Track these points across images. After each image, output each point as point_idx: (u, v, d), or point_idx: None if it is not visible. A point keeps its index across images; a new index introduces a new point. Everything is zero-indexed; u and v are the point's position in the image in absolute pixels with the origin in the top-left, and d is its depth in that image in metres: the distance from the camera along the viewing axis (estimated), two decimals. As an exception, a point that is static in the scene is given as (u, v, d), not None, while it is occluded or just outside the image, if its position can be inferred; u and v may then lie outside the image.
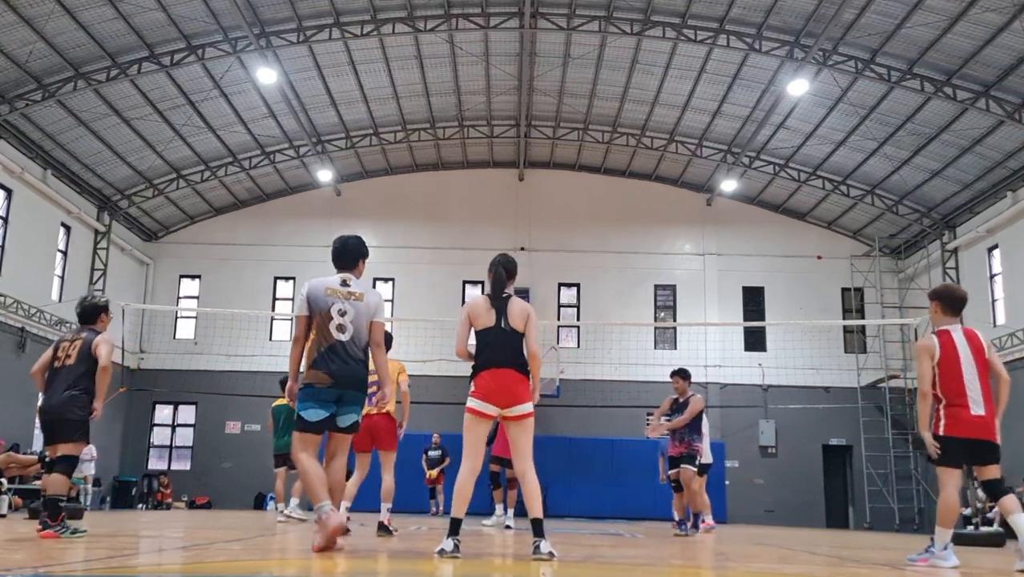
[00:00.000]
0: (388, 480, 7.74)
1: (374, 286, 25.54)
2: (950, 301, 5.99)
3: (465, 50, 20.24)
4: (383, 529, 7.51)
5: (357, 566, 4.67)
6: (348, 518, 5.41)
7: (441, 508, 18.50)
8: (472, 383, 5.44)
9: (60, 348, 6.69)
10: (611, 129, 23.79)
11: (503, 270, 5.70)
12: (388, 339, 8.14)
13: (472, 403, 5.39)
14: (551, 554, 5.05)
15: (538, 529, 5.18)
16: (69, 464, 6.44)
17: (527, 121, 23.55)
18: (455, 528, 5.18)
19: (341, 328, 5.45)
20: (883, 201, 23.59)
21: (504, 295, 5.62)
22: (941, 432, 5.67)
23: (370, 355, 5.65)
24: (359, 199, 25.99)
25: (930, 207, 23.08)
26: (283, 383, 12.16)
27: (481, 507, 13.07)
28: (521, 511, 12.96)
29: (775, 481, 23.39)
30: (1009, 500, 5.46)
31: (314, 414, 5.33)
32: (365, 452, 7.83)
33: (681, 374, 10.74)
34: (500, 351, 5.42)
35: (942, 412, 5.70)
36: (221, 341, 23.36)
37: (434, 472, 18.65)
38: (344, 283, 5.64)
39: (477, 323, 5.54)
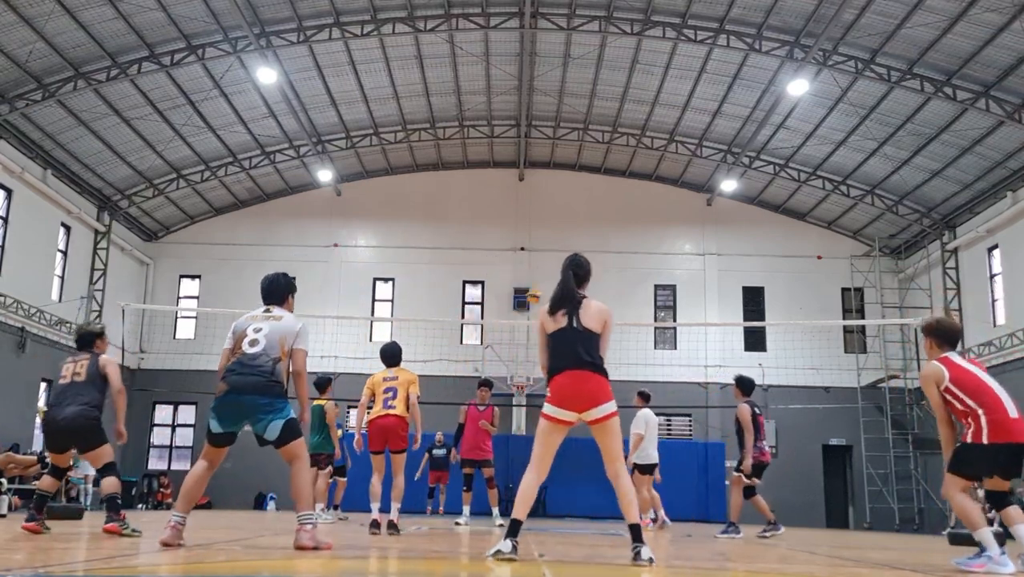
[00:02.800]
0: (399, 481, 8.13)
1: (374, 286, 25.66)
2: (944, 335, 5.74)
3: (465, 50, 20.23)
4: (392, 528, 7.91)
5: (357, 566, 4.67)
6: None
7: (442, 508, 18.34)
8: (547, 388, 5.22)
9: (66, 368, 7.10)
10: (611, 129, 23.79)
11: (572, 273, 5.42)
12: (398, 350, 8.55)
13: (548, 409, 5.14)
14: (651, 560, 4.82)
15: (637, 535, 4.95)
16: (113, 467, 6.93)
17: (527, 121, 23.55)
18: (515, 530, 4.99)
19: (253, 342, 5.59)
20: (883, 201, 23.59)
21: (577, 297, 5.35)
22: (985, 440, 5.25)
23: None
24: (359, 199, 25.99)
25: (930, 207, 23.08)
26: (319, 384, 12.32)
27: (457, 507, 13.24)
28: (479, 509, 13.09)
29: (775, 481, 23.29)
30: (1014, 511, 5.31)
31: (213, 425, 5.55)
32: (379, 453, 8.17)
33: (735, 382, 10.79)
34: (573, 351, 5.13)
35: (983, 421, 5.29)
36: (221, 341, 23.27)
37: (446, 471, 18.30)
38: (267, 310, 5.83)
39: (549, 327, 5.26)
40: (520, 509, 5.07)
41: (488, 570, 4.56)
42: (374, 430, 8.11)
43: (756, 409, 10.53)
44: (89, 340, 7.26)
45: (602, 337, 5.24)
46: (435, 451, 18.70)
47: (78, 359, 7.08)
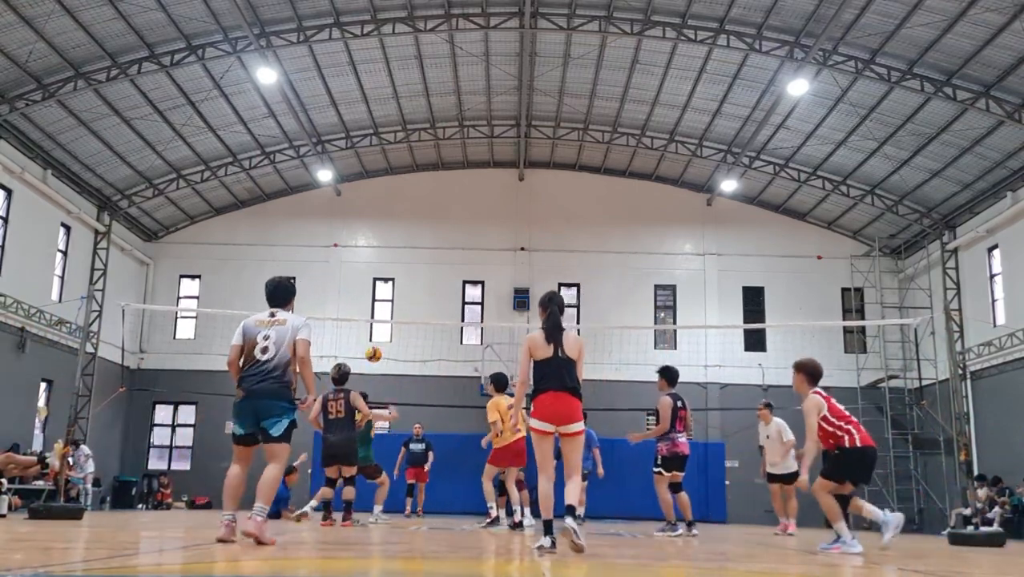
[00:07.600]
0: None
1: (374, 286, 25.67)
2: (814, 373, 8.44)
3: (465, 50, 20.23)
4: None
5: (354, 565, 4.68)
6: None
7: (420, 508, 17.10)
8: (532, 404, 6.17)
9: (328, 404, 10.48)
10: (611, 129, 23.78)
11: (557, 308, 6.37)
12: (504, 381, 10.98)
13: (534, 423, 6.11)
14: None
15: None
16: (354, 480, 10.46)
17: (527, 121, 23.54)
18: (549, 528, 5.95)
19: (264, 350, 6.15)
20: (883, 201, 23.58)
21: (560, 329, 6.28)
22: (858, 444, 7.72)
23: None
24: (359, 199, 25.98)
25: (930, 207, 23.07)
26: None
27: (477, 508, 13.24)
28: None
29: (775, 481, 23.36)
30: (855, 501, 7.57)
31: (236, 429, 6.18)
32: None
33: (659, 373, 11.21)
34: (558, 376, 6.11)
35: (853, 428, 7.79)
36: (221, 341, 23.30)
37: (423, 468, 16.86)
38: (272, 315, 6.36)
39: (537, 355, 6.21)
40: (546, 510, 6.06)
41: (487, 568, 4.56)
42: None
43: (679, 403, 10.82)
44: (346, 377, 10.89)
45: (578, 363, 6.25)
46: (413, 445, 16.98)
47: (334, 399, 10.60)
